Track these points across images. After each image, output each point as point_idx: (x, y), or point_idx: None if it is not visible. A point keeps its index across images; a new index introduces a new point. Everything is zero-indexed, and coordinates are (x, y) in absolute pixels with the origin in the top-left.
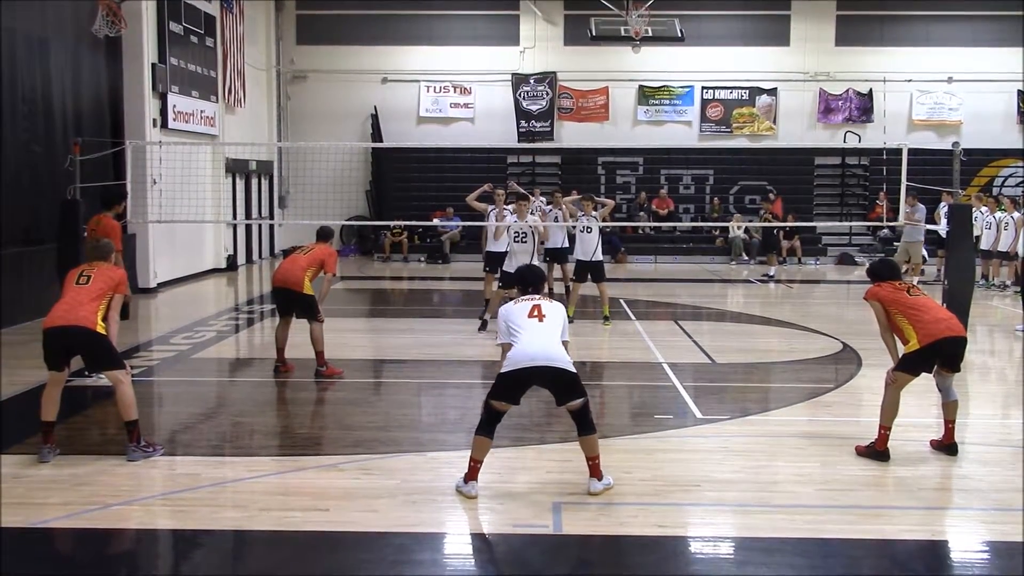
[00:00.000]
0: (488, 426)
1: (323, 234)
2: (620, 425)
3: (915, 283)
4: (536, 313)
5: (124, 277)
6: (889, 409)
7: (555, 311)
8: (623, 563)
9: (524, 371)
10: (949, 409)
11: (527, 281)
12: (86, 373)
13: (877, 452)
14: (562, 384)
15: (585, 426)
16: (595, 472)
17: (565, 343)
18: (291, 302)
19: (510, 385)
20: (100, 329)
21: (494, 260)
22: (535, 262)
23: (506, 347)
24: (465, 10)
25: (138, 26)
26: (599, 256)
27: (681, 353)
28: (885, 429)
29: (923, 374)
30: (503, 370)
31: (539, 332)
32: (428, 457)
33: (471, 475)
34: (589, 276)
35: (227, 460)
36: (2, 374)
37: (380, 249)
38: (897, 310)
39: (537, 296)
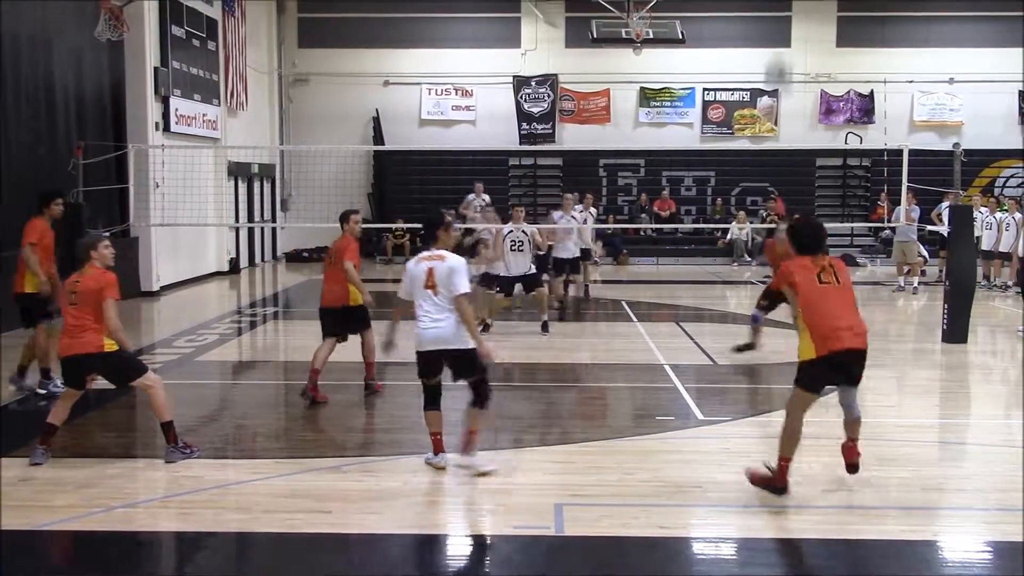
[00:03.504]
0: (432, 401)
1: (341, 219)
2: (622, 426)
3: (916, 283)
4: (430, 282)
5: (109, 282)
6: (788, 437)
7: (445, 272)
8: (625, 564)
9: (426, 353)
10: (851, 427)
11: (424, 229)
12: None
13: (774, 486)
14: (457, 363)
15: (478, 398)
16: (469, 445)
17: (464, 295)
18: (345, 320)
19: (423, 363)
20: (108, 347)
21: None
22: (532, 267)
23: (398, 302)
24: (466, 12)
25: (140, 30)
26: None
27: (683, 354)
28: (784, 460)
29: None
30: (416, 348)
31: (431, 309)
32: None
33: (436, 447)
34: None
35: (230, 463)
36: (2, 377)
37: (382, 251)
38: (797, 298)
39: (434, 254)
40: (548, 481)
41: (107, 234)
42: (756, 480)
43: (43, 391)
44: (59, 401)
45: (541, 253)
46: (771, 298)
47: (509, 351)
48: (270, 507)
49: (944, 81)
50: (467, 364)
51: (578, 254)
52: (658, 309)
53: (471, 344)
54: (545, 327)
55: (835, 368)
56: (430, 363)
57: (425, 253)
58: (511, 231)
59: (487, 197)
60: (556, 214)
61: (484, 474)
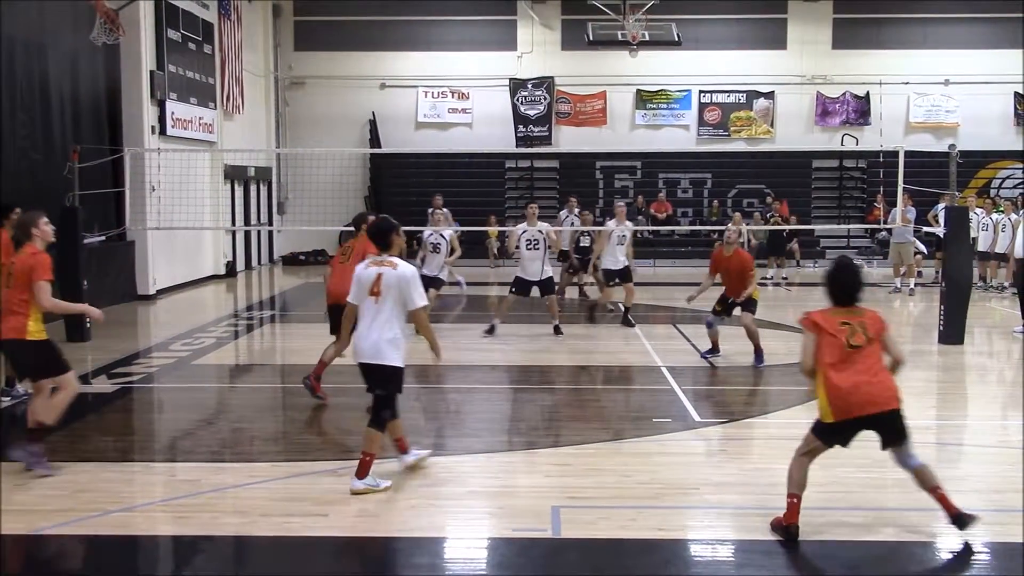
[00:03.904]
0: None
1: (356, 222)
2: (619, 429)
3: (912, 284)
4: (376, 289)
5: (40, 263)
6: (796, 479)
7: (394, 282)
8: (623, 566)
9: (361, 366)
10: (923, 477)
11: (373, 238)
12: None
13: (785, 528)
14: (376, 378)
15: (375, 419)
16: (362, 470)
17: (418, 310)
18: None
19: (363, 376)
20: (33, 335)
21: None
22: (548, 269)
23: (349, 307)
24: (462, 15)
25: (136, 33)
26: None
27: (680, 356)
28: (794, 498)
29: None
30: (355, 359)
31: (370, 318)
32: (427, 461)
33: (401, 449)
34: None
35: (227, 466)
36: (2, 381)
37: None
38: (820, 353)
39: (385, 260)
40: (545, 483)
41: (102, 237)
42: (774, 525)
43: (7, 399)
44: (32, 401)
45: (553, 255)
46: (725, 304)
47: (508, 354)
48: (267, 510)
49: (940, 83)
50: (382, 380)
51: (626, 263)
52: (655, 311)
53: (391, 362)
54: (558, 330)
55: (854, 430)
56: (363, 375)
57: (376, 258)
58: (526, 231)
59: (446, 211)
60: (611, 223)
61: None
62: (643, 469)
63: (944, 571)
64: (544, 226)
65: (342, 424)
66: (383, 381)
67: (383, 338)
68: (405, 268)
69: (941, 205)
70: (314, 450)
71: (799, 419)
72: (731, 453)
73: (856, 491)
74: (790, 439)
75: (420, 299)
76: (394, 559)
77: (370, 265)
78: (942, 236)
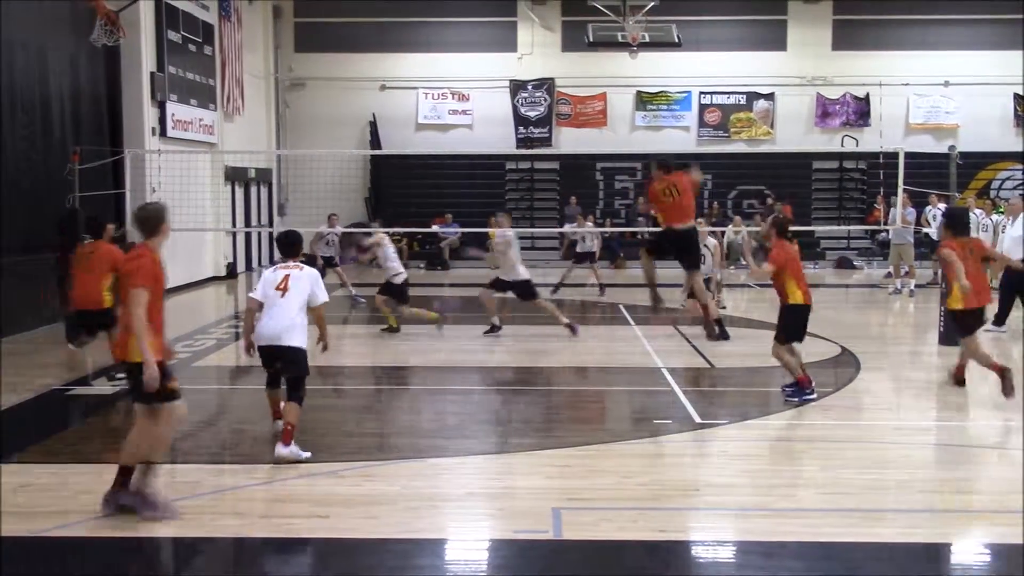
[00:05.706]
0: (271, 382)
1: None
2: (619, 430)
3: (912, 286)
4: (283, 285)
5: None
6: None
7: (301, 282)
8: (623, 568)
9: (264, 348)
10: None
11: (281, 246)
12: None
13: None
14: (286, 361)
15: (293, 394)
16: (286, 437)
17: (318, 308)
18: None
19: (263, 357)
20: None
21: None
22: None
23: (251, 302)
24: (463, 16)
25: (136, 35)
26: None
27: (680, 358)
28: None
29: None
30: (256, 343)
31: (278, 308)
32: (428, 463)
33: (276, 415)
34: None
35: (227, 467)
36: (2, 383)
37: None
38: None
39: (291, 264)
40: (546, 485)
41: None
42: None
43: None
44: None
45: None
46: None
47: (508, 355)
48: (267, 512)
49: (940, 84)
50: (293, 363)
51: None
52: (655, 312)
53: (297, 344)
54: (572, 329)
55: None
56: (267, 357)
57: (282, 264)
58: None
59: (339, 228)
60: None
61: (301, 461)
62: (644, 470)
63: (944, 571)
64: (572, 228)
65: (342, 425)
66: (293, 362)
67: (287, 324)
68: (309, 270)
69: (930, 207)
70: (314, 451)
71: (799, 420)
72: (731, 454)
73: (856, 491)
74: (790, 440)
75: (323, 296)
76: (395, 561)
77: (278, 269)
78: (936, 238)
